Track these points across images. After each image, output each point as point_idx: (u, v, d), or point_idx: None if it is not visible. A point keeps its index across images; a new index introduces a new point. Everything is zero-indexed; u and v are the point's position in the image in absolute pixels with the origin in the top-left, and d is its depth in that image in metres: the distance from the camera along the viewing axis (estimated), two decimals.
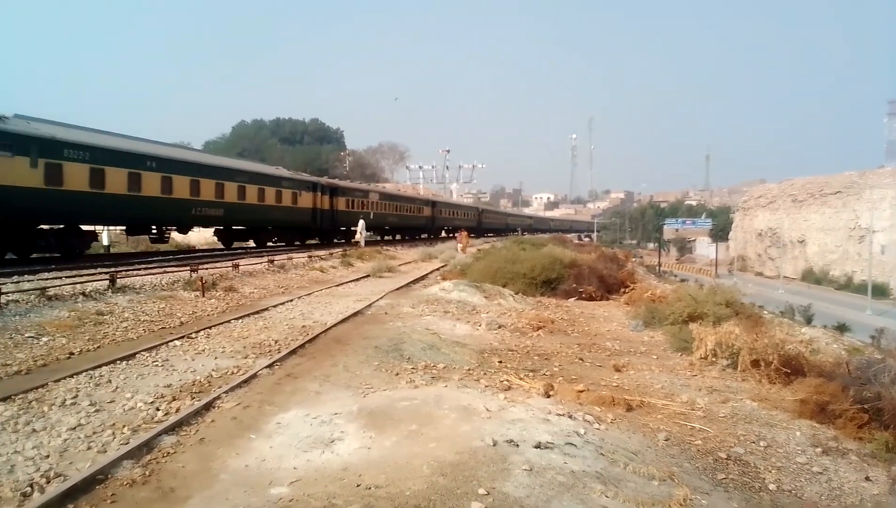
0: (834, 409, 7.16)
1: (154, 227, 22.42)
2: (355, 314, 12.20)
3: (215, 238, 29.70)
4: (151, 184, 20.20)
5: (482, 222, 67.55)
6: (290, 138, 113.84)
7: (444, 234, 51.99)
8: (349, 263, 23.24)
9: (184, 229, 25.08)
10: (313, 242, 32.73)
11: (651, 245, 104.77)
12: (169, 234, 24.43)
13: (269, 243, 29.74)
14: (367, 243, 32.00)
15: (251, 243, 29.72)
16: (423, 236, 48.66)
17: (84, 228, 19.45)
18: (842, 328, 26.39)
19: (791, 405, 7.66)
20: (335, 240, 34.77)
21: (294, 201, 29.57)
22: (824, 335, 16.16)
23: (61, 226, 18.07)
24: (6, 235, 16.42)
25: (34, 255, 17.87)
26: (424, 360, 8.63)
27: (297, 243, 30.58)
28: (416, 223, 47.28)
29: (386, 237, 44.67)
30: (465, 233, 33.97)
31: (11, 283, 11.78)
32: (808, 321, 30.40)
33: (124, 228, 22.93)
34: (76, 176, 17.25)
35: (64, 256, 17.98)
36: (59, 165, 16.67)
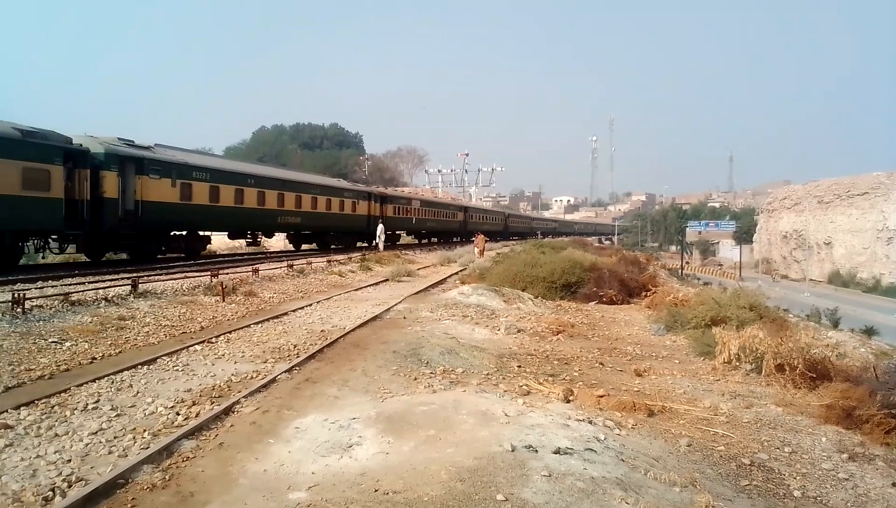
0: (860, 414, 7.00)
1: (250, 232, 27.58)
2: (374, 319, 12.22)
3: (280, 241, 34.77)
4: (250, 198, 25.03)
5: (508, 227, 71.31)
6: (310, 143, 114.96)
7: (474, 237, 53.75)
8: (368, 267, 23.33)
9: (270, 235, 29.91)
10: (364, 244, 36.03)
11: (673, 248, 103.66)
12: (260, 238, 29.32)
13: (330, 246, 33.34)
14: (386, 248, 32.14)
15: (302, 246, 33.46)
16: (455, 239, 52.06)
17: (201, 233, 24.12)
18: (869, 332, 25.86)
19: (816, 411, 7.50)
20: (387, 243, 37.90)
21: (353, 210, 34.27)
22: (851, 338, 15.85)
23: (184, 232, 22.59)
24: (155, 239, 21.08)
25: (167, 254, 22.16)
26: (443, 365, 8.60)
27: (357, 244, 35.21)
28: (450, 228, 51.17)
29: (423, 241, 48.36)
30: (483, 237, 33.87)
31: (35, 289, 12.00)
32: (835, 324, 29.86)
33: (227, 233, 27.82)
34: (201, 193, 22.00)
35: (187, 256, 22.56)
36: (190, 185, 21.34)
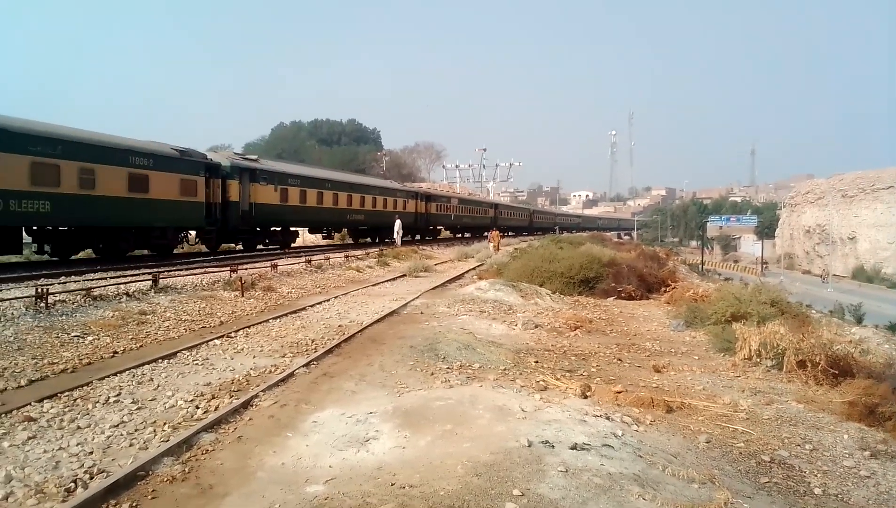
0: (884, 411, 6.88)
1: (325, 228, 32.98)
2: (391, 314, 12.25)
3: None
4: (328, 199, 29.92)
5: (533, 222, 74.84)
6: (328, 139, 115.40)
7: (508, 234, 58.74)
8: (385, 263, 23.39)
9: (339, 230, 35.29)
10: (408, 238, 40.06)
11: (694, 243, 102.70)
12: (333, 233, 34.61)
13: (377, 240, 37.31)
14: (404, 243, 32.29)
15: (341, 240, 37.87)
16: (486, 234, 53.84)
17: (292, 229, 29.33)
18: (894, 328, 25.43)
19: (839, 407, 7.38)
20: (426, 238, 44.31)
21: (404, 208, 38.87)
22: (875, 335, 15.59)
23: (279, 228, 27.51)
24: (261, 233, 26.26)
25: (268, 246, 27.13)
26: (460, 360, 8.60)
27: (406, 238, 38.66)
28: (482, 223, 55.08)
29: (457, 235, 52.71)
30: (498, 232, 33.84)
31: (59, 283, 12.18)
32: (859, 320, 29.41)
33: (308, 228, 32.73)
34: (293, 196, 26.91)
35: (281, 247, 27.53)
36: (286, 189, 26.33)
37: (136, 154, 18.55)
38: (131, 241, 19.60)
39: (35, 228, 16.88)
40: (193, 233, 23.53)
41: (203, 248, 24.97)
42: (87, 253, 19.93)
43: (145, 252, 20.81)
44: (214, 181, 21.88)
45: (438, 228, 46.96)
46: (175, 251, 22.44)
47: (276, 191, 25.52)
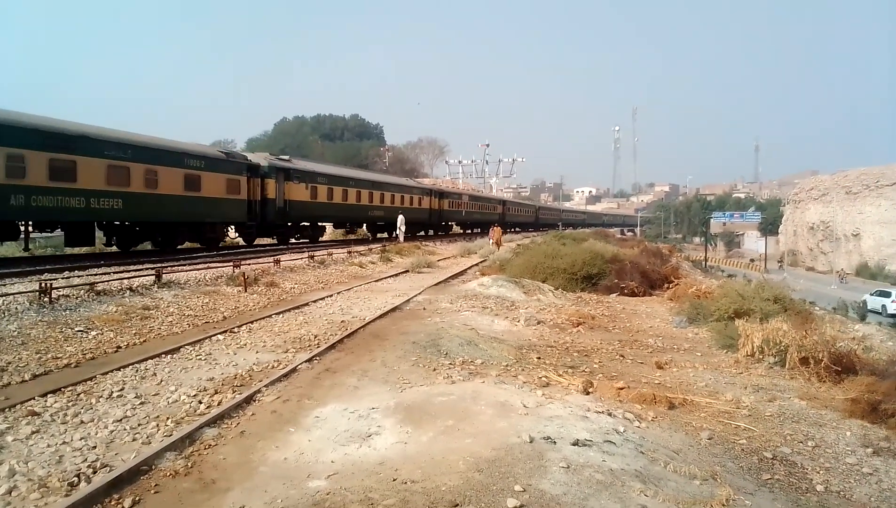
0: (886, 408, 6.87)
1: (347, 223, 34.95)
2: (394, 310, 12.26)
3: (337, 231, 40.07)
4: (352, 196, 31.77)
5: (539, 219, 76.74)
6: (331, 134, 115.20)
7: (514, 230, 61.71)
8: (388, 258, 23.39)
9: (360, 225, 37.21)
10: (421, 233, 42.16)
11: (697, 239, 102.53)
12: (355, 228, 36.90)
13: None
14: (407, 239, 32.29)
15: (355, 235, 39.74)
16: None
17: (319, 224, 31.15)
18: None
19: (841, 404, 7.38)
20: (439, 233, 46.07)
21: (419, 204, 41.27)
22: (878, 331, 15.56)
23: (308, 223, 29.39)
24: (294, 228, 28.52)
25: (299, 239, 28.91)
26: (462, 356, 8.61)
27: (420, 233, 41.59)
28: (491, 219, 55.52)
29: (467, 230, 54.17)
30: (499, 228, 33.83)
31: (62, 278, 12.20)
32: (863, 317, 29.37)
33: (333, 223, 34.87)
34: (322, 193, 28.72)
35: (311, 240, 29.31)
36: (315, 187, 28.17)
37: (190, 156, 20.63)
38: (185, 235, 21.97)
39: (105, 222, 18.71)
40: (232, 228, 26.20)
41: (241, 241, 27.70)
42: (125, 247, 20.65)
43: (196, 245, 22.89)
44: (254, 180, 23.99)
45: (450, 223, 48.86)
46: (219, 244, 24.37)
47: (306, 189, 27.43)
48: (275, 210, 25.08)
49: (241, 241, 27.23)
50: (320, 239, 31.20)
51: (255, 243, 26.72)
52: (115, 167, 17.19)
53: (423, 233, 41.62)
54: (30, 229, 16.79)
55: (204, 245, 22.67)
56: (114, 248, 19.90)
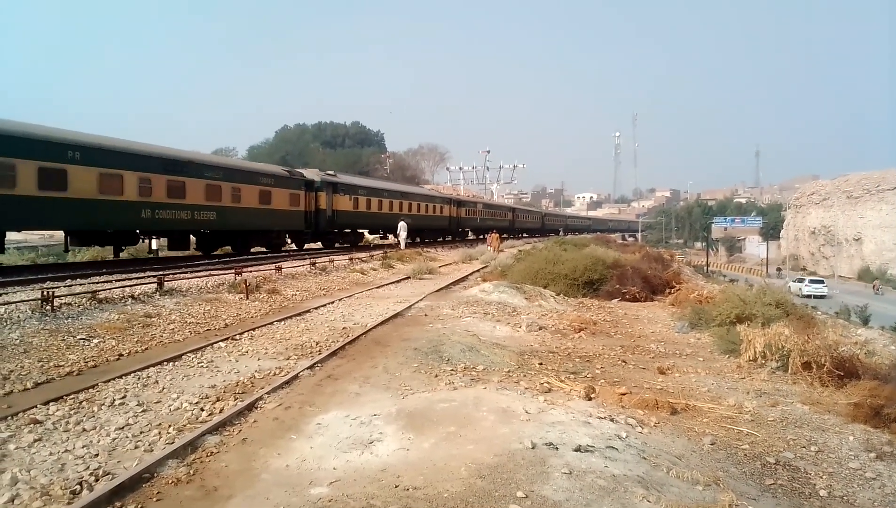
0: (889, 413, 6.86)
1: (380, 230, 38.31)
2: (395, 316, 12.26)
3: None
4: (385, 206, 35.45)
5: (545, 224, 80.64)
6: (332, 142, 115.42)
7: (522, 235, 66.93)
8: (389, 265, 23.39)
9: (392, 232, 38.26)
10: (442, 239, 46.91)
11: (699, 245, 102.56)
12: (388, 235, 38.74)
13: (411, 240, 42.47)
14: (438, 244, 32.55)
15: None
16: (505, 236, 59.75)
17: (359, 231, 35.16)
18: None
19: (844, 409, 7.37)
20: (456, 239, 49.62)
21: (441, 212, 45.40)
22: (881, 336, 15.53)
23: (349, 230, 33.16)
24: (338, 234, 31.87)
25: (343, 244, 31.95)
26: (464, 362, 8.61)
27: (440, 239, 46.23)
28: (502, 225, 60.51)
29: (480, 236, 55.71)
30: (497, 235, 33.93)
31: (64, 286, 12.22)
32: (865, 321, 29.31)
33: (368, 230, 37.93)
34: (362, 204, 32.51)
35: (351, 244, 32.46)
36: (357, 198, 31.88)
37: (263, 175, 24.92)
38: (258, 241, 25.88)
39: (200, 231, 22.18)
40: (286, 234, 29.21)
41: (293, 246, 30.24)
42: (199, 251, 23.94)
43: (262, 249, 26.34)
44: (310, 194, 27.82)
45: (466, 229, 52.40)
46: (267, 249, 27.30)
47: (350, 200, 31.23)
48: (325, 219, 28.98)
49: (293, 246, 29.72)
50: (359, 243, 34.93)
51: (304, 247, 29.97)
52: (211, 186, 21.11)
53: (441, 239, 46.05)
54: (143, 237, 20.77)
55: (270, 249, 26.35)
56: (199, 253, 23.42)
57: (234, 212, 22.53)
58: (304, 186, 27.48)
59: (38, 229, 20.21)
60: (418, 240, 40.93)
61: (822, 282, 57.89)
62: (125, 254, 22.34)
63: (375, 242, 39.37)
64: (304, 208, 27.12)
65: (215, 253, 23.63)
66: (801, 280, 58.51)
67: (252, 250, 25.29)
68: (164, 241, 23.07)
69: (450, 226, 47.51)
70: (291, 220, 26.54)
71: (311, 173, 29.28)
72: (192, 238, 23.19)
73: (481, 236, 55.06)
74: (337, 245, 31.28)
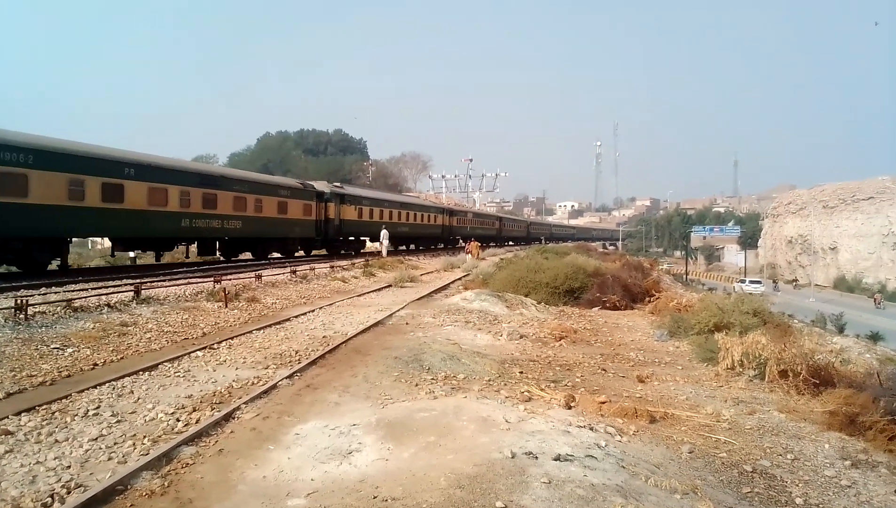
0: (864, 421, 6.95)
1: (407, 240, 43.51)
2: (376, 325, 12.21)
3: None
4: (386, 215, 37.95)
5: (530, 233, 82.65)
6: (314, 149, 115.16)
7: (509, 243, 69.62)
8: (371, 273, 23.30)
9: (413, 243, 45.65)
10: (432, 247, 49.04)
11: (678, 253, 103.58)
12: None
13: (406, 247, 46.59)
14: (389, 254, 32.38)
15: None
16: (492, 243, 63.84)
17: (362, 238, 37.44)
18: (875, 338, 25.75)
19: (820, 417, 7.45)
20: (448, 246, 51.15)
21: (435, 221, 48.33)
22: (856, 344, 15.79)
23: (353, 238, 35.44)
24: (343, 242, 33.81)
25: (349, 251, 33.92)
26: (444, 371, 8.58)
27: (439, 246, 49.61)
28: (490, 233, 64.43)
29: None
30: (476, 243, 34.04)
31: (39, 295, 12.01)
32: (840, 330, 29.73)
33: (370, 238, 39.02)
34: (366, 213, 35.07)
35: (355, 252, 34.65)
36: (361, 209, 34.45)
37: (281, 187, 27.67)
38: (275, 247, 28.43)
39: (227, 238, 24.32)
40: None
41: (303, 253, 31.89)
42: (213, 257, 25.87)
43: (277, 254, 28.53)
44: (320, 204, 30.25)
45: (457, 237, 54.16)
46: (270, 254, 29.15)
47: (355, 210, 33.57)
48: (334, 228, 31.48)
49: (302, 252, 31.22)
50: (361, 250, 36.97)
51: (311, 253, 31.92)
52: (238, 197, 23.83)
53: (433, 247, 48.57)
54: (179, 243, 23.30)
55: (285, 255, 28.68)
56: (221, 258, 25.64)
57: (257, 221, 25.32)
58: (316, 197, 30.03)
59: (99, 237, 23.10)
60: (413, 247, 45.16)
61: (759, 282, 65.96)
62: (98, 262, 23.10)
63: (376, 248, 40.50)
64: (315, 217, 29.73)
65: (235, 258, 26.45)
66: (742, 281, 65.82)
67: (270, 255, 28.05)
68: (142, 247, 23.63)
69: (443, 234, 50.22)
70: (305, 228, 29.04)
71: (321, 185, 31.82)
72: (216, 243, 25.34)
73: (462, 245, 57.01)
74: (343, 251, 33.03)
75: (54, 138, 17.04)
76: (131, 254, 26.48)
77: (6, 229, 15.19)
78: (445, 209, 53.62)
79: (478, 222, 61.94)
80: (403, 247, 43.84)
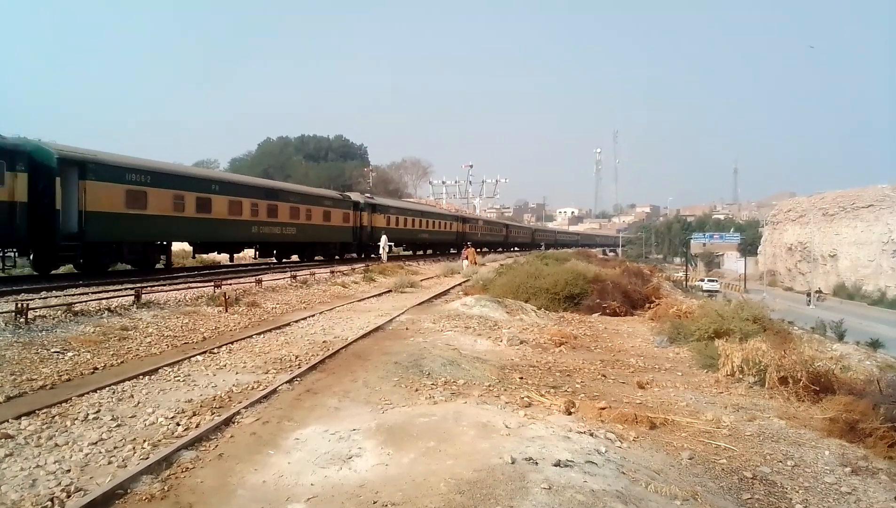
0: (864, 427, 6.95)
1: (404, 243, 45.57)
2: (376, 330, 12.21)
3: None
4: (408, 223, 42.94)
5: (535, 239, 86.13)
6: (315, 155, 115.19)
7: (514, 249, 73.87)
8: (371, 278, 23.31)
9: (413, 245, 48.03)
10: (454, 251, 52.22)
11: (678, 260, 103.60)
12: (409, 247, 48.06)
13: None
14: (390, 259, 32.39)
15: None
16: (499, 249, 69.14)
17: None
18: (875, 345, 25.74)
19: (820, 424, 7.45)
20: (459, 251, 53.80)
21: (450, 228, 52.64)
22: (856, 351, 15.78)
23: (380, 243, 36.63)
24: (373, 247, 36.32)
25: (374, 255, 36.08)
26: (444, 376, 8.57)
27: (451, 251, 52.96)
28: (497, 240, 69.17)
29: (478, 249, 62.27)
30: (472, 249, 34.08)
31: (39, 299, 12.02)
32: (840, 337, 29.72)
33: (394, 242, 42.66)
34: (392, 222, 39.66)
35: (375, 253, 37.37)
36: (388, 217, 39.15)
37: (325, 198, 32.20)
38: (319, 251, 32.05)
39: (283, 242, 28.83)
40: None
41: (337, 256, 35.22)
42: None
43: (320, 258, 31.92)
44: (356, 213, 34.87)
45: (468, 243, 56.98)
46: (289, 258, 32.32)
47: (384, 218, 38.45)
48: (366, 234, 35.87)
49: (337, 256, 34.43)
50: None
51: (345, 256, 35.12)
52: (293, 208, 28.18)
53: (448, 252, 51.82)
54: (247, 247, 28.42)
55: (326, 258, 32.17)
56: (273, 260, 30.26)
57: (308, 228, 29.54)
58: (353, 207, 34.51)
59: (192, 241, 24.48)
60: (430, 252, 49.32)
61: (714, 281, 73.11)
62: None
63: (400, 252, 46.30)
64: (352, 224, 34.23)
65: (287, 261, 30.61)
66: (702, 280, 72.46)
67: (315, 257, 31.98)
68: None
69: (456, 240, 54.08)
70: (344, 234, 33.46)
71: (356, 196, 36.68)
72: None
73: (481, 250, 59.69)
74: (373, 255, 36.06)
75: (163, 162, 22.28)
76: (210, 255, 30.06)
77: (133, 235, 19.49)
78: (459, 217, 58.23)
79: (487, 229, 66.43)
80: (421, 252, 48.23)
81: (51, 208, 16.24)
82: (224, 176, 26.15)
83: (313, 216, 29.77)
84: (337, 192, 35.84)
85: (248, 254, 32.25)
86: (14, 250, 17.00)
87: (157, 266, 21.78)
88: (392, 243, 40.52)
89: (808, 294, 67.15)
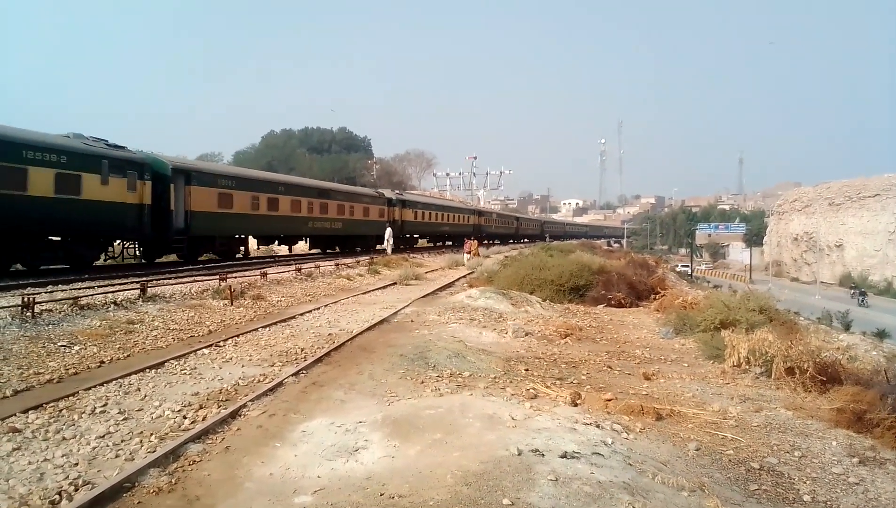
0: (871, 418, 6.91)
1: (428, 236, 48.96)
2: (381, 322, 12.21)
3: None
4: (432, 217, 46.56)
5: (544, 231, 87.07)
6: (319, 147, 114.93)
7: (524, 240, 75.91)
8: (376, 271, 23.32)
9: (436, 237, 50.96)
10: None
11: (683, 251, 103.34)
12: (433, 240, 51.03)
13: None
14: (394, 251, 32.41)
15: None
16: (510, 240, 71.13)
17: (415, 236, 45.79)
18: (881, 335, 25.59)
19: (827, 414, 7.42)
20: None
21: (467, 221, 55.98)
22: (863, 341, 15.72)
23: (409, 235, 43.56)
24: (406, 239, 42.20)
25: (403, 246, 39.82)
26: (450, 368, 8.57)
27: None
28: (508, 232, 72.72)
29: (487, 241, 63.51)
30: (475, 241, 34.18)
31: (45, 293, 12.05)
32: (847, 327, 29.59)
33: (419, 234, 47.19)
34: (419, 215, 43.57)
35: (410, 247, 42.56)
36: (416, 211, 43.23)
37: (364, 196, 36.08)
38: (358, 243, 35.47)
39: (331, 236, 32.39)
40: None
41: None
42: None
43: (358, 249, 35.13)
44: (388, 208, 38.15)
45: (483, 234, 59.83)
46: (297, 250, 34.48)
47: (412, 213, 42.27)
48: (398, 227, 38.33)
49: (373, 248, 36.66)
50: (415, 246, 45.00)
51: (377, 248, 36.18)
52: (340, 205, 31.77)
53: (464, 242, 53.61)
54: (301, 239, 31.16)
55: (364, 249, 34.92)
56: (318, 252, 33.24)
57: (351, 222, 33.14)
58: (386, 203, 37.98)
59: (263, 235, 28.19)
60: (451, 243, 50.91)
61: (687, 266, 73.15)
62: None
63: (423, 244, 49.38)
64: (386, 219, 37.19)
65: (329, 251, 33.52)
66: (676, 265, 72.95)
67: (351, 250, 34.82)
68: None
69: (473, 232, 54.96)
70: (380, 228, 35.21)
71: (389, 193, 40.21)
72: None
73: (493, 241, 63.91)
74: (402, 247, 39.08)
75: (243, 169, 28.99)
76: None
77: (223, 230, 23.39)
78: (475, 211, 62.50)
79: (500, 221, 70.05)
80: (441, 243, 50.71)
81: (166, 209, 19.88)
82: (288, 179, 30.63)
83: (355, 212, 33.38)
84: (373, 190, 40.25)
85: (302, 246, 34.59)
86: (135, 242, 20.94)
87: (238, 256, 25.64)
88: (418, 236, 46.29)
89: (854, 293, 58.08)
